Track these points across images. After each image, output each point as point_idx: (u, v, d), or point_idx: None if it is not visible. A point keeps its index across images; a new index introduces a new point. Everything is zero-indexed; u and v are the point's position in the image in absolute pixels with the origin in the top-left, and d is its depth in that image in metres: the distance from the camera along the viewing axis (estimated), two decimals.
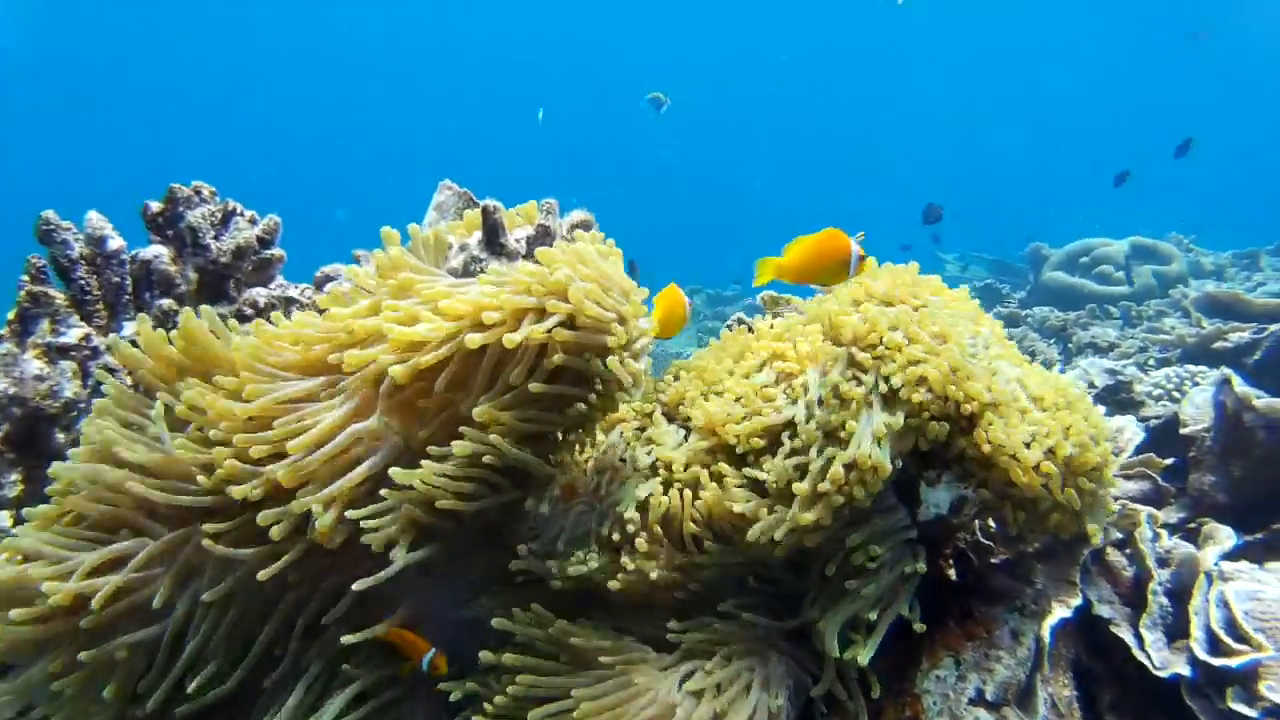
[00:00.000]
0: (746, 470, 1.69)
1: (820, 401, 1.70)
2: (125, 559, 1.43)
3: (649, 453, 1.84)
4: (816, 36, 42.80)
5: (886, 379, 1.68)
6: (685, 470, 1.77)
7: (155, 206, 2.38)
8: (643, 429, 1.96)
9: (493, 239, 1.96)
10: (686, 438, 1.88)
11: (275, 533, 1.43)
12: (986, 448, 1.64)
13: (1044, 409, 1.72)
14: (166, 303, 2.22)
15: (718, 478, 1.72)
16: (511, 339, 1.48)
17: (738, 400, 1.81)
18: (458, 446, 1.50)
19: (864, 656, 1.61)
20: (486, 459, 1.51)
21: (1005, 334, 1.96)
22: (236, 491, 1.43)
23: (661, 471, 1.81)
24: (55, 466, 1.55)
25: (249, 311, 2.30)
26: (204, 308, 1.72)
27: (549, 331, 1.52)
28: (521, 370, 1.56)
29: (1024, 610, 1.95)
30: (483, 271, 1.95)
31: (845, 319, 1.85)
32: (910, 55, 42.92)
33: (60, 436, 1.99)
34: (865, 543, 1.64)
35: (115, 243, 2.28)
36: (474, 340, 1.47)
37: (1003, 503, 1.74)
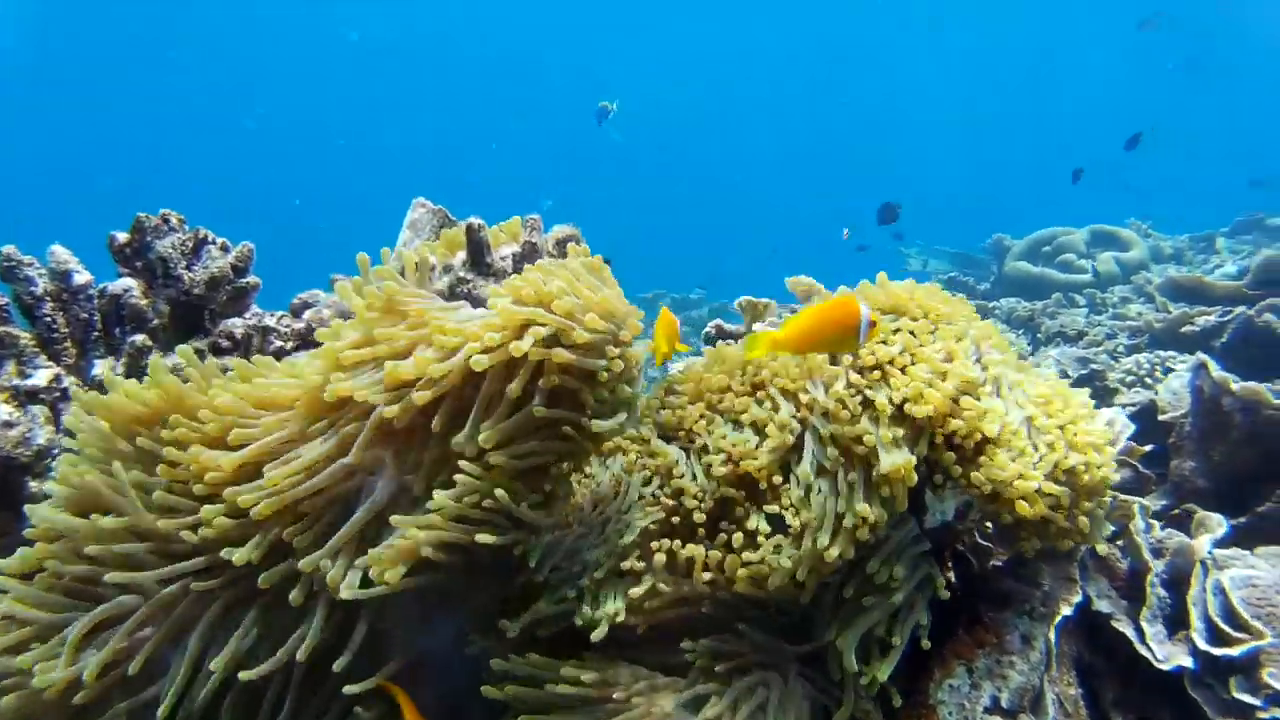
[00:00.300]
0: (768, 508, 1.65)
1: (827, 415, 1.67)
2: (115, 620, 1.35)
3: (648, 481, 1.79)
4: (787, 39, 43.28)
5: (890, 399, 1.66)
6: (700, 501, 1.72)
7: (122, 237, 2.29)
8: (640, 455, 1.91)
9: (478, 258, 1.91)
10: (688, 458, 1.84)
11: (295, 598, 1.37)
12: (988, 487, 1.63)
13: (1049, 415, 1.71)
14: (140, 339, 2.13)
15: (750, 537, 1.67)
16: (519, 346, 1.42)
17: (753, 427, 1.76)
18: (458, 486, 1.44)
19: (883, 672, 1.59)
20: (486, 503, 1.46)
21: (1007, 341, 1.95)
22: (237, 557, 1.36)
23: (667, 500, 1.77)
24: (31, 509, 1.48)
25: (225, 344, 2.22)
26: (180, 347, 1.65)
27: (547, 346, 1.47)
28: (519, 385, 1.49)
29: (1033, 613, 1.93)
30: (470, 293, 1.90)
31: None
32: (881, 58, 43.50)
33: (34, 486, 1.90)
34: (885, 563, 1.61)
35: (81, 277, 2.19)
36: (480, 362, 1.41)
37: (1015, 530, 1.74)
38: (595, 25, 44.57)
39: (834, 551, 1.52)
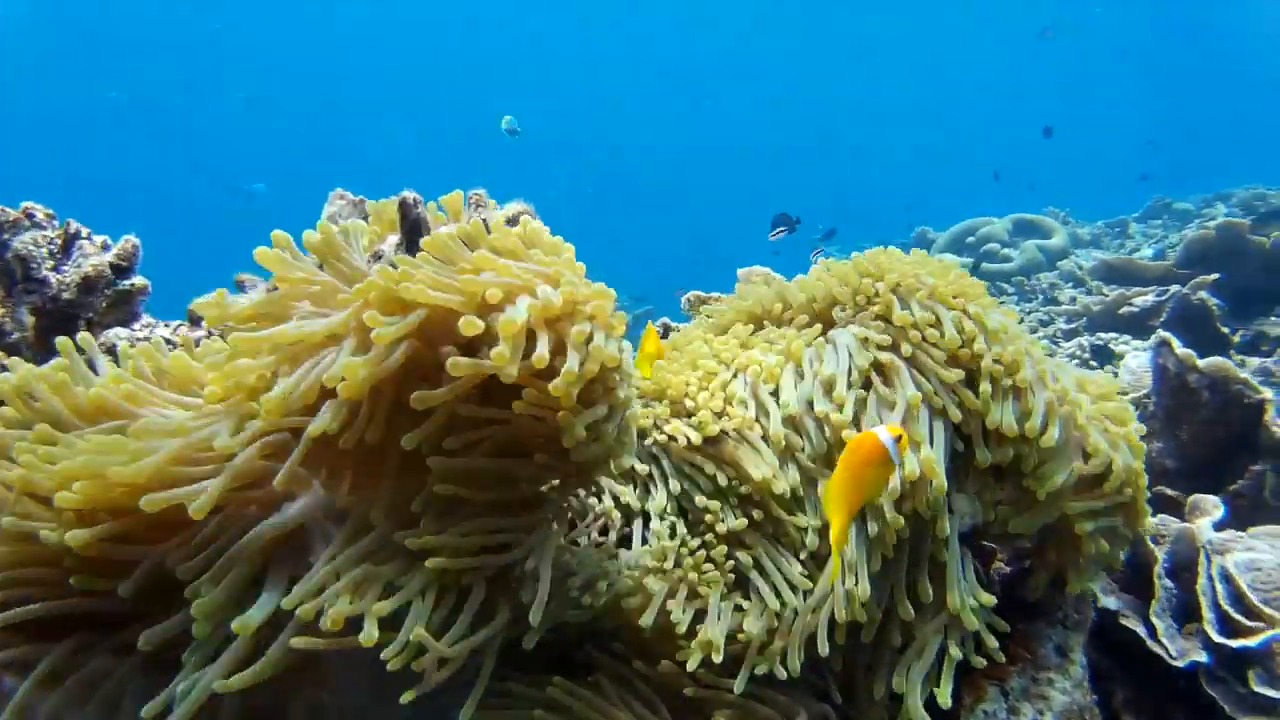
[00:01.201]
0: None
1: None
2: None
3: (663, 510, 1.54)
4: (712, 49, 43.62)
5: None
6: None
7: None
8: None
9: (416, 239, 1.61)
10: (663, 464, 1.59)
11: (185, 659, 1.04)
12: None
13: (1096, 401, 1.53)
14: None
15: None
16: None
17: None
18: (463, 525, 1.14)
19: (944, 696, 1.37)
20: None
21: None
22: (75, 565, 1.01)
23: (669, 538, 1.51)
24: None
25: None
26: (61, 339, 1.32)
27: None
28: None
29: (1066, 621, 1.73)
30: None
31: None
32: (804, 68, 44.18)
33: None
34: (964, 601, 1.39)
35: None
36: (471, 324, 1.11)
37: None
38: (502, 34, 44.29)
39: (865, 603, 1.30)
